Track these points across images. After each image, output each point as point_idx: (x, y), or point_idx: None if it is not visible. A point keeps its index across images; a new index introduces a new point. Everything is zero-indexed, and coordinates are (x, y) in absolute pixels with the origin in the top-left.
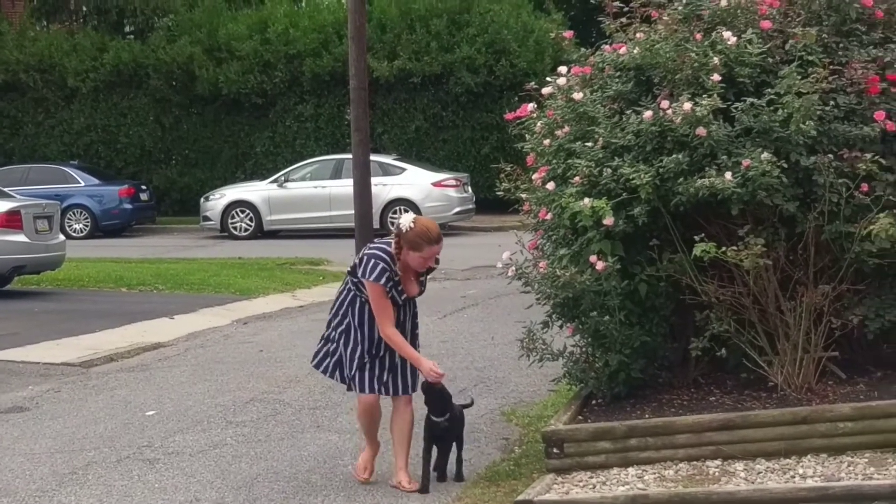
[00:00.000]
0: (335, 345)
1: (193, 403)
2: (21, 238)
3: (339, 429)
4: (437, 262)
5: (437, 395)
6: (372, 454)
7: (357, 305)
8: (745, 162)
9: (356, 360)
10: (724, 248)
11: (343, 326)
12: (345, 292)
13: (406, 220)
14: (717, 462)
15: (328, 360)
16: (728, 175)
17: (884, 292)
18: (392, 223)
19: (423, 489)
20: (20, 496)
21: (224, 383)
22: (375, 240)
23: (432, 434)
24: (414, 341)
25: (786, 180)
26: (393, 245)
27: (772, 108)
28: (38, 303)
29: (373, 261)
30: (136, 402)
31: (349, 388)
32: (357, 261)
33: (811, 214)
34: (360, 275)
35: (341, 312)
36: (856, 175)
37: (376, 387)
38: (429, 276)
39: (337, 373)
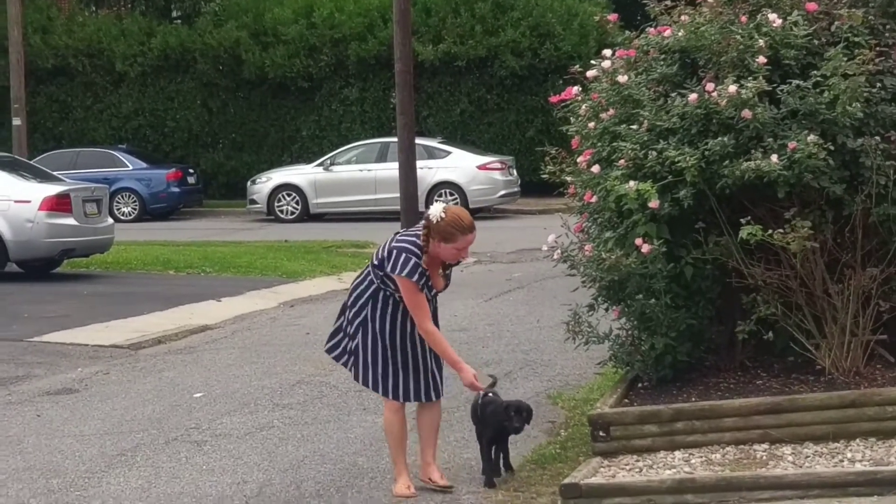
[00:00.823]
0: (353, 341)
1: (240, 386)
2: (70, 221)
3: None
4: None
5: (502, 408)
6: (406, 477)
7: (379, 299)
8: (792, 144)
9: (379, 361)
10: (770, 231)
11: (360, 319)
12: (365, 284)
13: (436, 209)
14: (765, 446)
15: (347, 357)
16: (774, 158)
17: None
18: None
19: (490, 483)
20: (70, 477)
21: (270, 366)
22: (401, 231)
23: (496, 432)
24: (432, 355)
25: (832, 163)
26: (421, 237)
27: (818, 90)
28: (87, 285)
29: (403, 255)
30: (183, 384)
31: (369, 387)
32: (384, 254)
33: (858, 197)
34: (388, 269)
35: (359, 304)
36: None
37: (401, 393)
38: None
39: (353, 369)
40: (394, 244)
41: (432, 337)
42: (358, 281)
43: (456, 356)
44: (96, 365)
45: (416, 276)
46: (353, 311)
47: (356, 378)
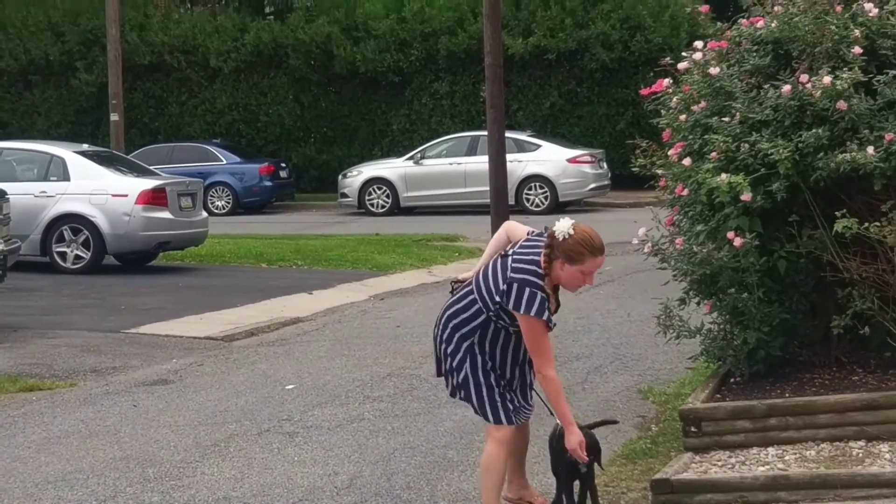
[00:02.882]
0: (458, 375)
1: (331, 378)
2: (166, 215)
3: None
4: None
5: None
6: None
7: (490, 331)
8: (888, 136)
9: (494, 389)
10: (866, 224)
11: (466, 347)
12: (471, 312)
13: (563, 225)
14: (861, 443)
15: (457, 391)
16: (870, 149)
17: None
18: (527, 200)
19: None
20: (165, 467)
21: (361, 358)
22: (512, 254)
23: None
24: (530, 366)
25: None
26: (542, 257)
27: None
28: (182, 278)
29: (527, 289)
30: (275, 375)
31: (488, 419)
32: (503, 287)
33: None
34: (510, 306)
35: (463, 332)
36: None
37: (513, 417)
38: None
39: (469, 402)
40: (513, 274)
41: (553, 386)
42: (458, 308)
43: (570, 415)
44: (191, 356)
45: (544, 315)
46: (456, 340)
47: (476, 411)
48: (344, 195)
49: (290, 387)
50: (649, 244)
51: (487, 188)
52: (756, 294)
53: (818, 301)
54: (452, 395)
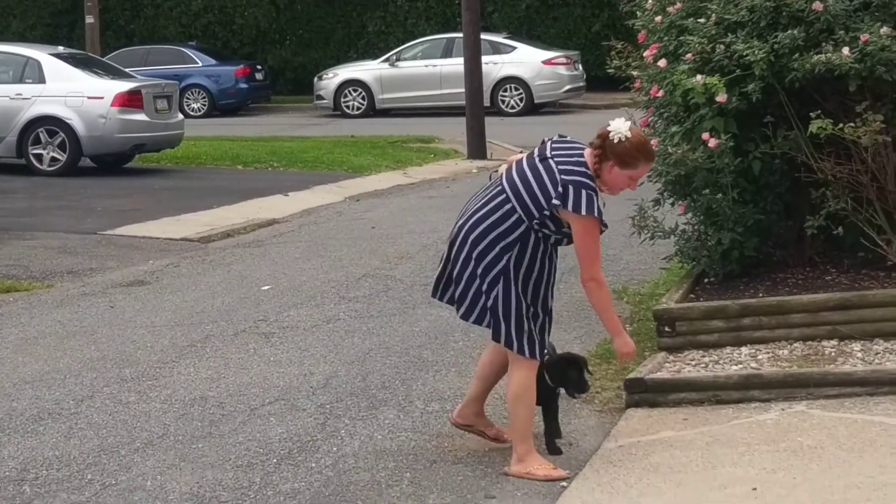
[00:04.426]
0: (489, 296)
1: (307, 279)
2: (142, 117)
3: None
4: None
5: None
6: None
7: (529, 244)
8: (864, 37)
9: (524, 318)
10: (841, 125)
11: (500, 268)
12: (507, 225)
13: (621, 126)
14: (833, 342)
15: (475, 307)
16: (845, 50)
17: None
18: (502, 101)
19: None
20: (142, 367)
21: (337, 259)
22: (553, 157)
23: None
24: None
25: None
26: (590, 158)
27: None
28: (158, 180)
29: (583, 191)
30: (251, 277)
31: (513, 349)
32: (560, 191)
33: None
34: (570, 209)
35: (498, 248)
36: None
37: (537, 350)
38: None
39: (489, 320)
40: (564, 177)
41: (605, 291)
42: (491, 221)
43: (619, 323)
44: (167, 258)
45: (601, 216)
46: (489, 259)
47: (496, 338)
48: (319, 97)
49: (266, 288)
50: None
51: (463, 90)
52: (730, 195)
53: (792, 202)
54: (451, 302)
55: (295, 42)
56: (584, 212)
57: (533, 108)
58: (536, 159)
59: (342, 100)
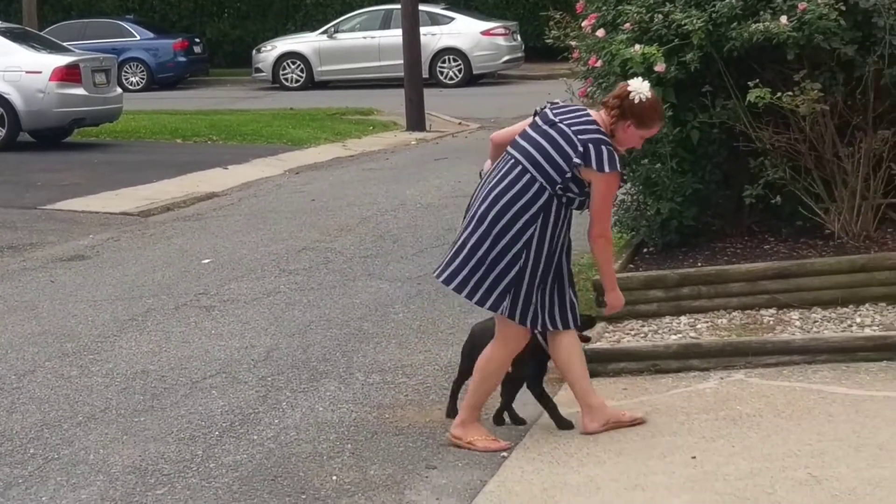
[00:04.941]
0: (509, 273)
1: (247, 252)
2: (80, 91)
3: (391, 277)
4: None
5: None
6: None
7: (552, 211)
8: (802, 5)
9: (534, 285)
10: (779, 94)
11: (524, 241)
12: (529, 196)
13: (642, 87)
14: (772, 311)
15: (494, 291)
16: (783, 19)
17: None
18: (441, 73)
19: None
20: (83, 341)
21: (277, 232)
22: (561, 121)
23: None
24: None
25: (844, 23)
26: (606, 118)
27: None
28: (98, 154)
29: (603, 147)
30: (192, 250)
31: (537, 328)
32: (581, 150)
33: (871, 58)
34: (594, 167)
35: (523, 221)
36: None
37: (570, 319)
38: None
39: (494, 299)
40: (582, 136)
41: (610, 247)
42: (512, 195)
43: (615, 279)
44: (107, 232)
45: (621, 171)
46: (511, 234)
47: (512, 316)
48: (258, 70)
49: (207, 261)
50: None
51: (401, 62)
52: (669, 164)
53: (731, 171)
54: (484, 303)
55: (233, 15)
56: (607, 168)
57: (472, 79)
58: (545, 126)
59: (281, 72)
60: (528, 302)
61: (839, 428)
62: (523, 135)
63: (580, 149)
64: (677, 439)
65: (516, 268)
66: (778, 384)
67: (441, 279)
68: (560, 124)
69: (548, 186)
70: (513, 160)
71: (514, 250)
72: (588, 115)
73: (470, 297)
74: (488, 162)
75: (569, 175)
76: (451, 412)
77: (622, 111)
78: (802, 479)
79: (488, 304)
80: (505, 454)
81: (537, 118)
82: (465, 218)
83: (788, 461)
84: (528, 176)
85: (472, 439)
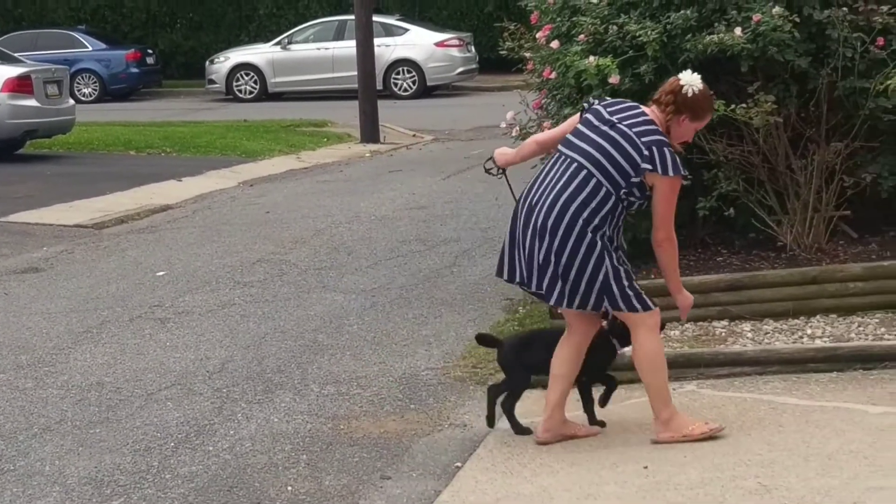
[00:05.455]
0: (595, 276)
1: (202, 264)
2: (32, 103)
3: (345, 289)
4: None
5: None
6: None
7: (617, 214)
8: (756, 17)
9: (626, 274)
10: (733, 106)
11: (600, 245)
12: (595, 203)
13: (693, 79)
14: (724, 322)
15: (590, 296)
16: (738, 30)
17: None
18: (395, 84)
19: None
20: (38, 353)
21: (231, 244)
22: (619, 121)
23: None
24: None
25: (798, 35)
26: (655, 115)
27: None
28: (51, 166)
29: (666, 150)
30: (146, 262)
31: (628, 310)
32: (647, 154)
33: (824, 70)
34: (660, 171)
35: (593, 225)
36: (871, 29)
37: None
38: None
39: (594, 300)
40: (644, 139)
41: (675, 250)
42: (581, 201)
43: (679, 277)
44: (61, 244)
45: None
46: (588, 241)
47: (619, 307)
48: (212, 81)
49: (161, 273)
50: (517, 128)
51: (355, 73)
52: None
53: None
54: (543, 294)
55: (186, 25)
56: (671, 172)
57: (426, 90)
58: (602, 126)
59: (234, 84)
60: (623, 290)
61: (789, 438)
62: (579, 135)
63: (646, 152)
64: (629, 449)
65: (603, 269)
66: (729, 395)
67: (536, 292)
68: (620, 125)
69: (613, 191)
70: (576, 164)
71: (596, 255)
72: (644, 113)
73: (569, 306)
74: (507, 153)
75: (635, 180)
76: (491, 422)
77: (677, 106)
78: (752, 489)
79: (590, 306)
80: (459, 464)
81: (589, 116)
82: (519, 218)
83: (739, 471)
84: (594, 181)
85: (686, 432)
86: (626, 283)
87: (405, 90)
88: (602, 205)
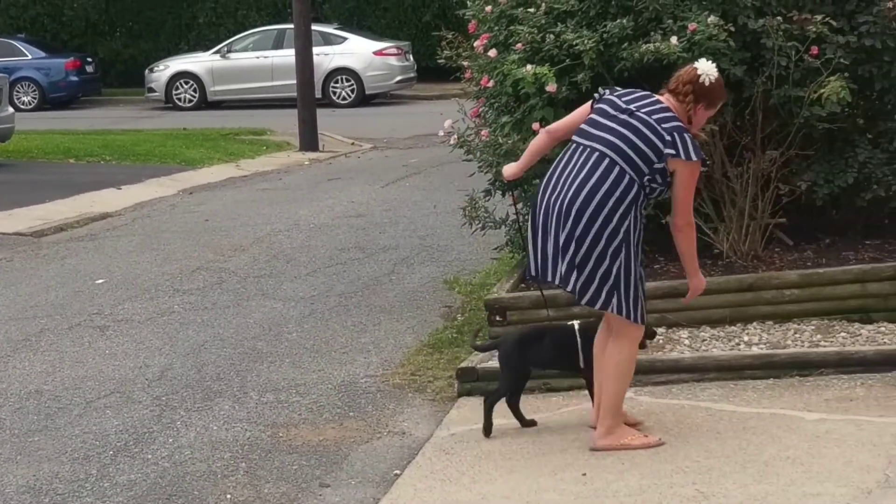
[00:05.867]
0: (610, 269)
1: (141, 272)
2: None
3: (284, 297)
4: None
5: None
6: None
7: (640, 203)
8: (692, 26)
9: (637, 278)
10: None
11: (622, 236)
12: (621, 190)
13: (709, 68)
14: (662, 329)
15: (602, 291)
16: (674, 39)
17: (833, 157)
18: (334, 93)
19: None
20: None
21: (171, 252)
22: (637, 109)
23: None
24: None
25: (733, 44)
26: (678, 103)
27: None
28: None
29: (686, 135)
30: (85, 270)
31: (618, 312)
32: (669, 139)
33: (759, 79)
34: (683, 156)
35: (618, 216)
36: (805, 38)
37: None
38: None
39: (604, 298)
40: (665, 125)
41: (694, 232)
42: (605, 190)
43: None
44: (0, 252)
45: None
46: (609, 231)
47: (619, 308)
48: (151, 90)
49: (100, 281)
50: (455, 136)
51: (294, 82)
52: None
53: None
54: (563, 284)
55: (125, 34)
56: (693, 157)
57: (364, 99)
58: (621, 115)
59: (174, 92)
60: (629, 292)
61: (726, 445)
62: (596, 125)
63: (668, 138)
64: (567, 457)
65: (617, 262)
66: (667, 402)
67: (557, 282)
68: (639, 112)
69: (636, 178)
70: (597, 153)
71: (614, 247)
72: (660, 101)
73: (580, 299)
74: (512, 166)
75: (658, 166)
76: (488, 431)
77: (696, 95)
78: (690, 496)
79: (599, 304)
80: (398, 471)
81: (603, 105)
82: (540, 208)
83: (677, 478)
84: (617, 168)
85: (625, 441)
86: (633, 285)
87: (344, 98)
88: (626, 193)
